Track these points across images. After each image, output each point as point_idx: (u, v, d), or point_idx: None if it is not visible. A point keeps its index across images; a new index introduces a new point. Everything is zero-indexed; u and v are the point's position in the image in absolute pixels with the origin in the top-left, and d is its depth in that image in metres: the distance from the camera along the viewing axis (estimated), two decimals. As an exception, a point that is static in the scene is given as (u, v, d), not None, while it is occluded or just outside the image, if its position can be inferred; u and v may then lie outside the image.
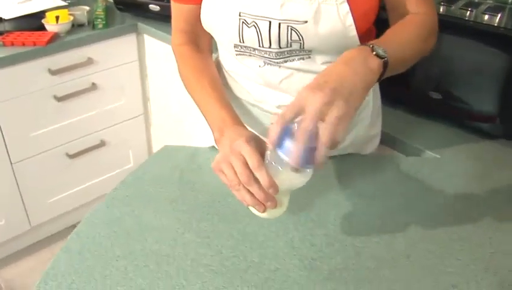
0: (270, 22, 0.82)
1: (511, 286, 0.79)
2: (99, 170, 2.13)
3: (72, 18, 1.83)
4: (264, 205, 0.72)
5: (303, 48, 0.84)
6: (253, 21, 0.83)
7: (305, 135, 0.63)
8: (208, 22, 0.90)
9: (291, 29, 0.82)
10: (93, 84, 1.93)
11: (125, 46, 1.95)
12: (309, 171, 0.71)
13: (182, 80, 0.98)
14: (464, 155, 1.13)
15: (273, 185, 0.69)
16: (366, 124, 1.06)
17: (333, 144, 0.64)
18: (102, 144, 2.05)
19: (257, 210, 0.74)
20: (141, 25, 1.89)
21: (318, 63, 0.88)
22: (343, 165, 1.04)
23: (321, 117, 0.63)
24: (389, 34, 0.81)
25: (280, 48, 0.85)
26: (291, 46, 0.85)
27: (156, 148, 2.29)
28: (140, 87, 2.08)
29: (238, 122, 0.84)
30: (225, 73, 1.02)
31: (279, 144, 0.66)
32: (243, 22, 0.84)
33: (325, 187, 0.97)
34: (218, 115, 0.86)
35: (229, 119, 0.84)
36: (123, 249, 0.80)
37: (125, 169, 2.20)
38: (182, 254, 0.80)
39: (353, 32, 0.82)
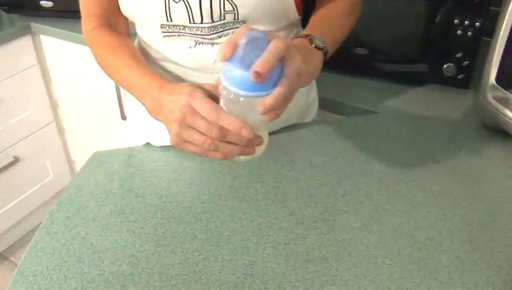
0: None
1: (480, 226, 0.79)
2: (19, 188, 1.96)
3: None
4: (251, 146, 0.64)
5: (237, 18, 0.78)
6: None
7: (275, 50, 0.57)
8: (129, 5, 0.81)
9: None
10: (-7, 98, 1.74)
11: (21, 51, 1.77)
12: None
13: (101, 67, 0.86)
14: (400, 106, 1.13)
15: (245, 126, 0.60)
16: (304, 92, 1.03)
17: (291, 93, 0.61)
18: (16, 160, 1.88)
19: (245, 154, 0.65)
20: (35, 25, 1.72)
21: (253, 36, 0.82)
22: (288, 138, 1.00)
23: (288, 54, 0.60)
24: (319, 19, 0.82)
25: (213, 21, 0.78)
26: (224, 18, 0.78)
27: (74, 154, 2.14)
28: (46, 93, 1.91)
29: (168, 81, 0.74)
30: (151, 62, 0.93)
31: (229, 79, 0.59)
32: None
33: (276, 165, 0.92)
34: (144, 83, 0.75)
35: (157, 81, 0.73)
36: (80, 279, 0.71)
37: (46, 182, 2.04)
38: (146, 269, 0.73)
39: None
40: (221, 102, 0.63)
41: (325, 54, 0.75)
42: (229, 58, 0.58)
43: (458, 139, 1.01)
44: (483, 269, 0.73)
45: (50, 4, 1.64)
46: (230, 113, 0.61)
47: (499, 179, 0.89)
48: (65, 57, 1.76)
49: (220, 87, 0.62)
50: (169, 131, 0.67)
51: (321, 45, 0.74)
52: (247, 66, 0.57)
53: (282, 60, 0.60)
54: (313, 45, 0.73)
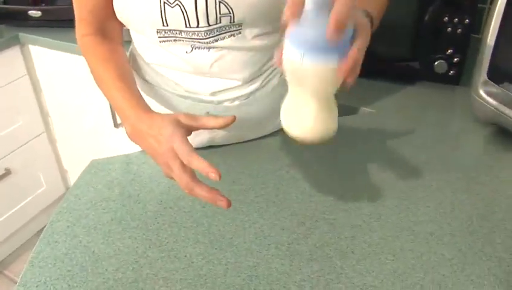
0: None
1: (479, 219, 0.80)
2: (12, 200, 1.94)
3: None
4: (224, 199, 0.68)
5: (233, 21, 0.79)
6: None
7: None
8: (123, 10, 0.81)
9: (219, 1, 0.76)
10: (-18, 110, 1.73)
11: (10, 62, 1.76)
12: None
13: (91, 74, 0.89)
14: (394, 104, 1.14)
15: (213, 170, 0.64)
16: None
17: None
18: (8, 172, 1.86)
19: (221, 206, 0.69)
20: (23, 35, 1.71)
21: (249, 38, 0.82)
22: (285, 140, 1.00)
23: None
24: None
25: (209, 25, 0.79)
26: (220, 21, 0.78)
27: (66, 165, 2.13)
28: (37, 104, 1.90)
29: (145, 109, 0.78)
30: (146, 67, 0.93)
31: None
32: (164, 3, 0.76)
33: (275, 166, 0.93)
34: (126, 107, 0.79)
35: (136, 109, 0.77)
36: (84, 288, 0.71)
37: (39, 193, 2.02)
38: (150, 275, 0.73)
39: None
40: (292, 70, 0.56)
41: (371, 22, 0.68)
42: (297, 17, 0.52)
43: (452, 134, 1.02)
44: (485, 261, 0.73)
45: (38, 14, 1.63)
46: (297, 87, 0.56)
47: (494, 172, 0.91)
48: (55, 67, 1.75)
49: (291, 55, 0.55)
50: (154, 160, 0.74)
51: (368, 14, 0.68)
52: (321, 24, 0.50)
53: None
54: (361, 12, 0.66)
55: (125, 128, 0.79)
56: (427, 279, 0.71)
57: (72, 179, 2.14)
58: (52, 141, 2.03)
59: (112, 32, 0.89)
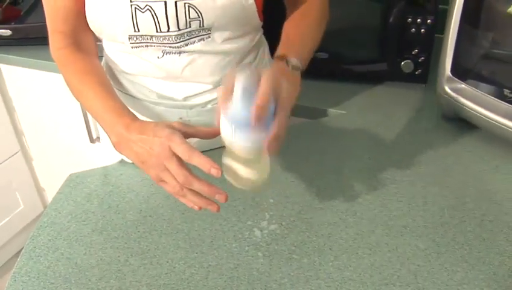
0: (165, 3, 0.78)
1: (450, 210, 0.84)
2: (-12, 223, 1.91)
3: None
4: (214, 203, 0.69)
5: (202, 25, 0.81)
6: (147, 5, 0.78)
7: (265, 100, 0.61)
8: (96, 18, 0.83)
9: (188, 6, 0.78)
10: (-45, 132, 1.71)
11: (-19, 82, 1.74)
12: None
13: (69, 89, 0.88)
14: (364, 105, 1.17)
15: (214, 165, 0.65)
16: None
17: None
18: (-17, 194, 1.84)
19: (211, 210, 0.70)
20: (-7, 55, 1.70)
21: (218, 42, 0.85)
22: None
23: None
24: (293, 34, 0.84)
25: (179, 29, 0.81)
26: (190, 26, 0.81)
27: (43, 183, 2.11)
28: (10, 123, 1.89)
29: (132, 118, 0.77)
30: (119, 76, 0.94)
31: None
32: (135, 8, 0.78)
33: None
34: (110, 117, 0.78)
35: (123, 119, 0.76)
36: (67, 299, 0.72)
37: (17, 213, 1.99)
38: (134, 282, 0.74)
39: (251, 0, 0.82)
40: (226, 141, 0.67)
41: (302, 72, 0.79)
42: (228, 100, 0.62)
43: (421, 131, 1.06)
44: (457, 249, 0.76)
45: (8, 32, 1.62)
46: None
47: (463, 164, 0.94)
48: (27, 85, 1.74)
49: (224, 130, 0.65)
50: (143, 169, 0.73)
51: (298, 65, 0.78)
52: (247, 107, 0.61)
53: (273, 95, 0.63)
54: (289, 67, 0.76)
55: (110, 138, 0.78)
56: (404, 270, 0.74)
57: (50, 197, 2.12)
58: (28, 160, 2.01)
59: (86, 44, 0.89)
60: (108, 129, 0.78)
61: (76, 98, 0.87)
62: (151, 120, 0.88)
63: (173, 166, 0.67)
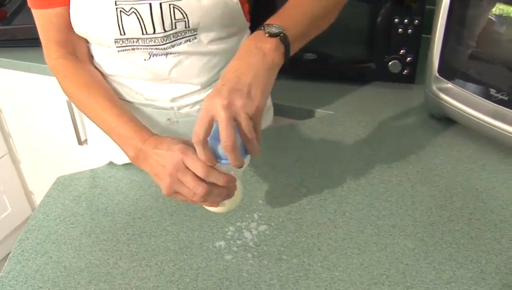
0: (150, 4, 0.78)
1: (438, 209, 0.84)
2: (-25, 227, 1.90)
3: None
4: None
5: (188, 26, 0.81)
6: (132, 7, 0.78)
7: (230, 142, 0.63)
8: (81, 23, 0.82)
9: (173, 7, 0.78)
10: None
11: (-34, 85, 1.73)
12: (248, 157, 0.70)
13: (69, 98, 0.89)
14: (353, 105, 1.17)
15: (231, 179, 0.69)
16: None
17: (258, 134, 0.66)
18: (-30, 198, 1.82)
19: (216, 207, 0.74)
20: (-21, 57, 1.68)
21: (205, 43, 0.85)
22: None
23: (234, 116, 0.63)
24: (287, 6, 0.77)
25: (165, 31, 0.81)
26: (176, 27, 0.81)
27: (32, 186, 2.09)
28: (-3, 125, 1.87)
29: (149, 132, 0.79)
30: (106, 78, 0.94)
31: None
32: (120, 11, 0.78)
33: (241, 171, 0.94)
34: (126, 131, 0.79)
35: (140, 132, 0.78)
36: (56, 302, 0.71)
37: (4, 217, 1.98)
38: (123, 285, 0.73)
39: None
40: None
41: (283, 39, 0.70)
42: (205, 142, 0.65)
43: (409, 130, 1.06)
44: (445, 247, 0.77)
45: (-8, 34, 1.61)
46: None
47: (451, 164, 0.95)
48: (14, 87, 1.73)
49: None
50: (156, 181, 0.74)
51: (275, 31, 0.69)
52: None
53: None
54: (266, 34, 0.69)
55: (126, 151, 0.79)
56: (392, 269, 0.74)
57: (38, 199, 2.10)
58: (15, 162, 2.00)
59: (82, 52, 0.90)
60: (124, 142, 0.79)
61: (82, 111, 0.88)
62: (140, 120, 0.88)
63: (189, 179, 0.69)
